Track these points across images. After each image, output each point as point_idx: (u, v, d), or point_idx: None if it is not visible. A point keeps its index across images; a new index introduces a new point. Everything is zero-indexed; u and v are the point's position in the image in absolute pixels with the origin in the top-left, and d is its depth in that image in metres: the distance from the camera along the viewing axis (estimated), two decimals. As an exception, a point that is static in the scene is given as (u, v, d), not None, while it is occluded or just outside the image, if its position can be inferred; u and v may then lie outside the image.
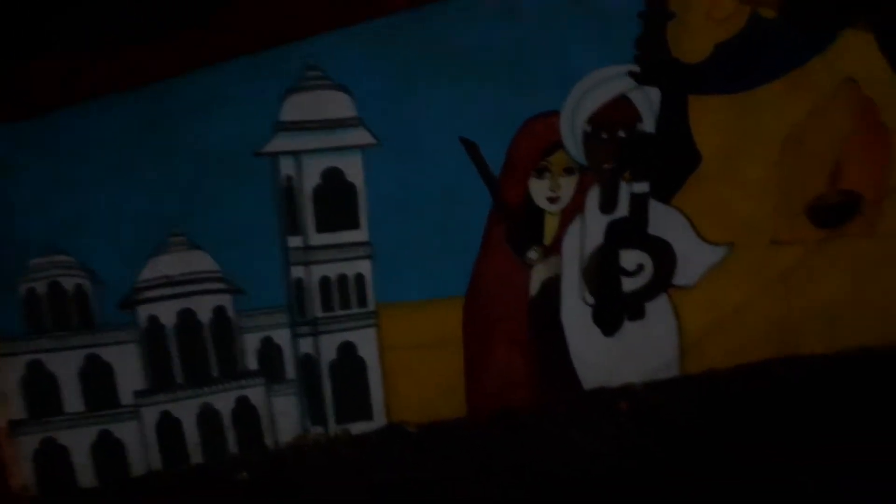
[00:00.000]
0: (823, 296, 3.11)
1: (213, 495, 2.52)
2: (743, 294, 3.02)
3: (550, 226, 2.71)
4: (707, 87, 2.67)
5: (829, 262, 3.06)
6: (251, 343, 2.53)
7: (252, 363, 2.56)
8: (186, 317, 2.43)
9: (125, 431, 2.49)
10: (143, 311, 2.39)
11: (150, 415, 2.50)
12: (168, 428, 2.53)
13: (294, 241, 2.45)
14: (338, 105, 2.34)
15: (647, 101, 2.63)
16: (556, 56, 2.48)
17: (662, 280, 2.90)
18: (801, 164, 2.89)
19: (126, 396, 2.46)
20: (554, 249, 2.74)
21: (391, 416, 2.78)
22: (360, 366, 2.66)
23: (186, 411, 2.54)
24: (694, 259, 2.90)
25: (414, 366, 2.73)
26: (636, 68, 2.57)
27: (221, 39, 2.15)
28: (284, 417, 2.66)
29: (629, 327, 2.94)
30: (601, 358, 2.95)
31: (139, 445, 2.52)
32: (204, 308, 2.44)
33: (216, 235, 2.38)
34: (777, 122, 2.80)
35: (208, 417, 2.57)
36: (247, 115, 2.28)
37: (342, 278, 2.54)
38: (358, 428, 2.75)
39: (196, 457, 2.61)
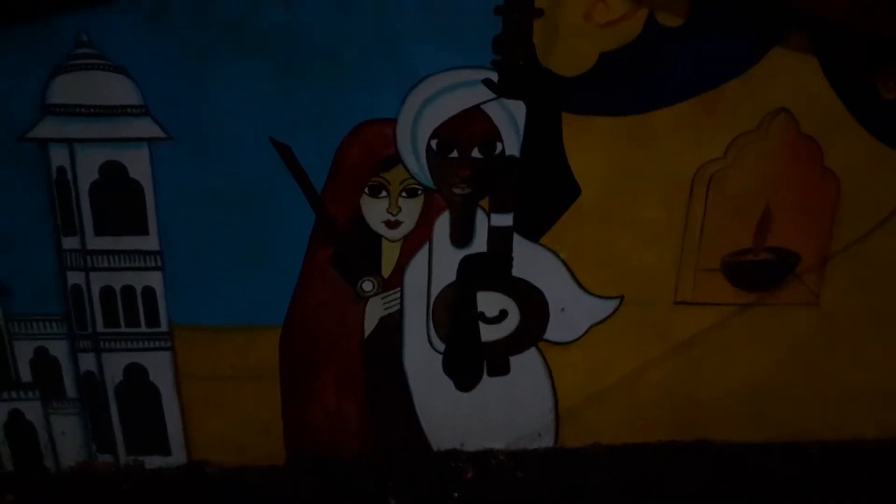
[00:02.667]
0: (743, 374, 2.54)
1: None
2: (635, 360, 2.50)
3: (389, 254, 2.29)
4: (587, 105, 2.18)
5: (752, 333, 2.49)
6: (24, 352, 2.24)
7: (26, 374, 2.26)
8: (-53, 314, 2.17)
9: None
10: None
11: (-89, 418, 2.25)
12: (-70, 435, 2.28)
13: (70, 243, 2.14)
14: (117, 89, 2.01)
15: (508, 116, 2.17)
16: (389, 54, 2.06)
17: (531, 332, 2.43)
18: (718, 211, 2.35)
19: None
20: (394, 282, 2.32)
21: (192, 453, 2.42)
22: (152, 393, 2.32)
23: (-47, 419, 2.28)
24: (573, 312, 2.41)
25: (218, 400, 2.37)
26: (493, 76, 2.11)
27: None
28: (66, 438, 2.35)
29: (490, 384, 2.47)
30: (454, 416, 2.50)
31: None
32: (-33, 307, 2.17)
33: (-22, 227, 2.11)
34: (682, 155, 2.27)
35: (-23, 429, 2.30)
36: (8, 94, 1.98)
37: (128, 290, 2.21)
38: (153, 462, 2.42)
39: (-33, 470, 2.34)
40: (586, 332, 2.44)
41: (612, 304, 2.41)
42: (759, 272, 2.42)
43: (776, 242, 2.40)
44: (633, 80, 2.17)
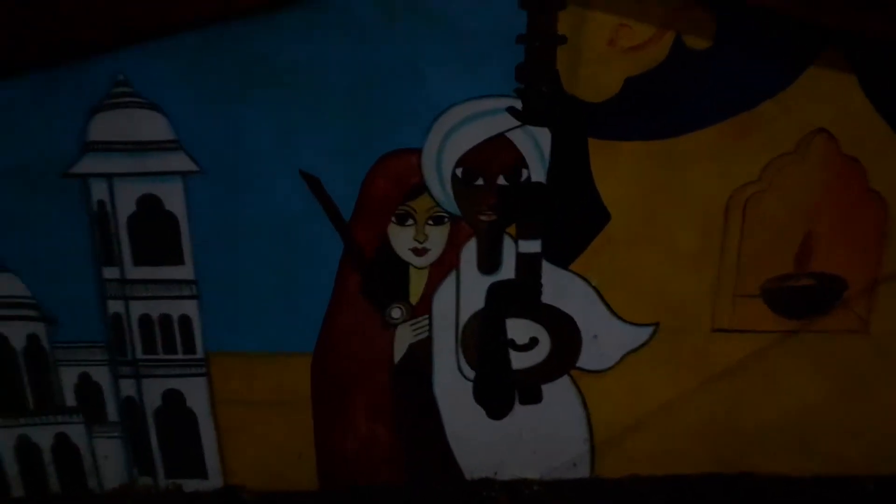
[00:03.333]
0: (789, 404, 2.44)
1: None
2: (673, 389, 2.42)
3: (417, 282, 2.30)
4: (614, 130, 2.15)
5: (797, 361, 2.39)
6: (68, 377, 2.33)
7: (70, 399, 2.35)
8: (-1, 342, 2.28)
9: (-53, 453, 2.38)
10: (-46, 331, 2.26)
11: (-32, 439, 2.37)
12: (-14, 456, 2.39)
13: (110, 273, 2.23)
14: (152, 125, 2.08)
15: (534, 143, 2.15)
16: (413, 85, 2.07)
17: (563, 360, 2.39)
18: (756, 236, 2.27)
19: (-60, 417, 2.34)
20: (422, 308, 2.32)
21: (228, 478, 2.47)
22: (189, 417, 2.38)
23: (4, 440, 2.38)
24: (605, 339, 2.36)
25: (252, 425, 2.41)
26: (517, 104, 2.11)
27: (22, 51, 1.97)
28: (108, 461, 2.43)
29: (522, 412, 2.44)
30: (487, 444, 2.47)
31: (-43, 470, 2.40)
32: (17, 334, 2.27)
33: (27, 259, 2.20)
34: (715, 179, 2.21)
35: (27, 450, 2.39)
36: (52, 133, 2.08)
37: (165, 318, 2.28)
38: (191, 485, 2.47)
39: (17, 490, 2.44)
40: (621, 359, 2.38)
41: (647, 331, 2.35)
42: (801, 298, 2.32)
43: (820, 268, 2.30)
44: (661, 105, 2.12)
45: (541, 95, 2.09)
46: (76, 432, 2.39)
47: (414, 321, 2.33)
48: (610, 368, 2.39)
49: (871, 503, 2.45)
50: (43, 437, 2.38)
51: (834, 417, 2.45)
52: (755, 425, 2.46)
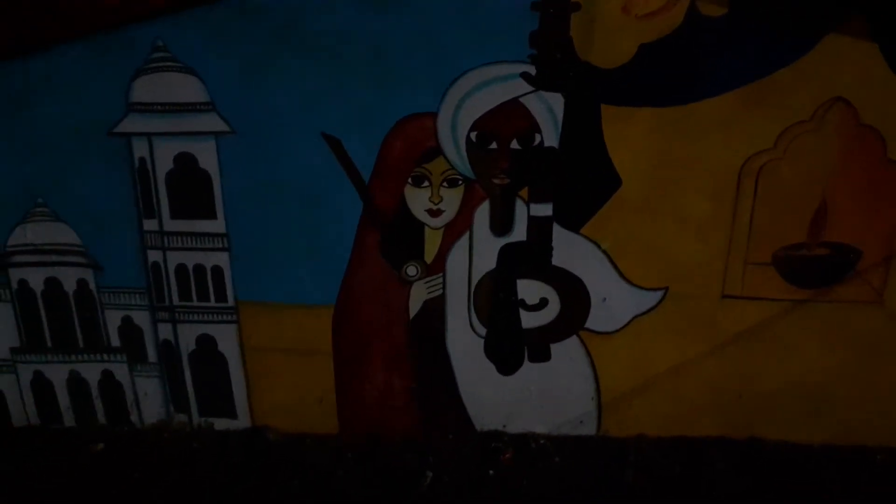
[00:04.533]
0: (799, 372, 2.46)
1: (68, 460, 2.59)
2: (681, 353, 2.48)
3: (432, 241, 2.41)
4: (627, 97, 2.19)
5: (808, 330, 2.41)
6: (113, 320, 2.54)
7: (115, 340, 2.57)
8: (52, 285, 2.49)
9: (5, 383, 2.63)
10: (14, 274, 2.49)
11: (25, 372, 2.61)
12: (41, 388, 2.63)
13: (150, 225, 2.41)
14: (187, 88, 2.23)
15: (547, 108, 2.21)
16: (430, 50, 2.15)
17: (572, 320, 2.47)
18: (769, 204, 2.28)
19: (3, 351, 2.59)
20: (436, 267, 2.43)
21: (255, 419, 2.66)
22: (220, 361, 2.57)
23: (56, 375, 2.62)
24: (615, 302, 2.43)
25: (278, 371, 2.58)
26: (531, 69, 2.17)
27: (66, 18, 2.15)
28: (148, 398, 2.65)
29: (531, 369, 2.54)
30: (497, 398, 2.59)
31: (18, 398, 2.65)
32: (68, 278, 2.49)
33: (77, 210, 2.39)
34: (729, 148, 2.23)
35: (76, 384, 2.63)
36: (98, 94, 2.24)
37: (199, 268, 2.45)
38: (222, 424, 2.67)
39: (69, 419, 2.69)
40: (629, 322, 2.45)
41: (656, 295, 2.41)
42: (814, 268, 2.33)
43: (834, 237, 2.30)
44: (674, 72, 2.15)
45: (555, 61, 2.14)
46: (120, 370, 2.61)
47: (428, 279, 2.44)
48: (618, 330, 2.46)
49: (879, 473, 2.46)
50: (91, 373, 2.62)
51: (844, 387, 2.47)
52: (764, 392, 2.49)
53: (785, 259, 2.34)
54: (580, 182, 2.30)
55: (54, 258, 2.47)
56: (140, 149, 2.32)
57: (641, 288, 2.40)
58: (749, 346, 2.45)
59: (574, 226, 2.34)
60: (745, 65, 2.13)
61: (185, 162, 2.33)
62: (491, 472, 2.48)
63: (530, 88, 2.19)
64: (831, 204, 2.27)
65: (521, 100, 2.21)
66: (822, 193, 2.26)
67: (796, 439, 2.54)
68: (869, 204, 2.26)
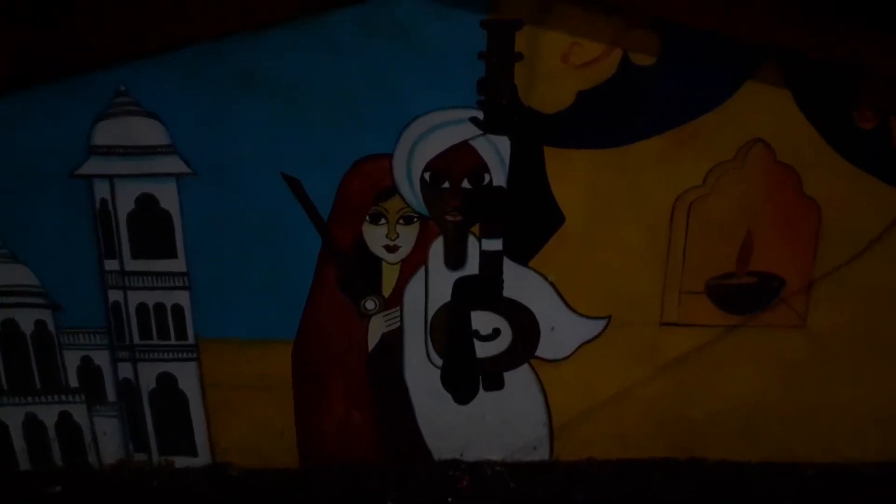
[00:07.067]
0: (734, 394, 2.63)
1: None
2: (625, 378, 2.63)
3: (389, 276, 2.51)
4: (567, 139, 2.36)
5: (741, 354, 2.59)
6: (72, 360, 2.55)
7: (73, 380, 2.58)
8: (10, 326, 2.50)
9: (-41, 427, 2.61)
10: (-30, 316, 2.49)
11: (-21, 415, 2.60)
12: (-4, 431, 2.62)
13: (111, 265, 2.45)
14: (149, 132, 2.31)
15: (495, 150, 2.37)
16: (385, 96, 2.29)
17: (523, 349, 2.59)
18: (700, 237, 2.47)
19: (-42, 394, 2.58)
20: (394, 301, 2.54)
21: (216, 455, 2.68)
22: (181, 399, 2.60)
23: (13, 418, 2.61)
24: (562, 330, 2.57)
25: (239, 406, 2.62)
26: (479, 114, 2.32)
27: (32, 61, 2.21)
28: (107, 438, 2.65)
29: (486, 398, 2.65)
30: (454, 427, 2.68)
31: (-28, 443, 2.63)
32: (26, 320, 2.50)
33: (37, 251, 2.43)
34: (663, 185, 2.41)
35: (33, 427, 2.62)
36: (61, 137, 2.31)
37: (160, 307, 2.50)
38: (182, 462, 2.69)
39: (24, 463, 2.67)
40: (576, 350, 2.59)
41: (600, 324, 2.56)
42: (742, 295, 2.52)
43: (759, 267, 2.50)
44: (611, 116, 2.34)
45: (501, 107, 2.31)
46: (78, 411, 2.61)
47: (386, 312, 2.54)
48: (566, 358, 2.59)
49: (809, 488, 2.63)
50: (48, 414, 2.61)
51: (776, 407, 2.64)
52: (704, 413, 2.65)
53: (716, 288, 2.52)
54: (527, 218, 2.45)
55: (12, 300, 2.48)
56: (101, 190, 2.38)
57: (586, 317, 2.55)
58: (687, 371, 2.61)
59: (523, 259, 2.48)
60: (674, 109, 2.33)
61: (147, 203, 2.40)
62: (449, 499, 2.55)
63: (479, 132, 2.34)
64: (756, 235, 2.47)
65: (470, 142, 2.36)
66: (747, 226, 2.46)
67: (735, 458, 2.70)
68: (790, 235, 2.47)
